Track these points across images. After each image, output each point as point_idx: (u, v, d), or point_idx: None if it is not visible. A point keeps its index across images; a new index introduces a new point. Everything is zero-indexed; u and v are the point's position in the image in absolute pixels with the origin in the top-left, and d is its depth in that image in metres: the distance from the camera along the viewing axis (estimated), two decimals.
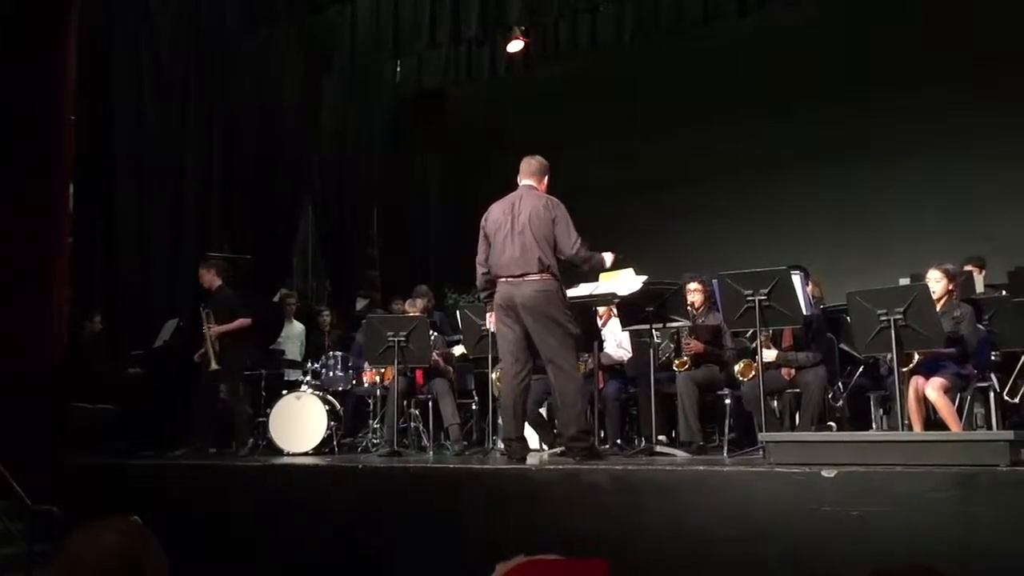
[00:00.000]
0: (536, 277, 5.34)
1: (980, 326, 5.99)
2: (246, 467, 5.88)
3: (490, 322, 5.76)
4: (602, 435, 6.78)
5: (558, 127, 10.57)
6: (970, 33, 9.07)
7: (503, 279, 5.43)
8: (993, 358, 6.15)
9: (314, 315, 9.42)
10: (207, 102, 9.44)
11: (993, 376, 6.03)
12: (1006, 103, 8.84)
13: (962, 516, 3.73)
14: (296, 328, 8.79)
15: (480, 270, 5.60)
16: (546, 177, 5.66)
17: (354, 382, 7.74)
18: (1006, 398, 5.73)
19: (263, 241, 9.48)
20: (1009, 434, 4.28)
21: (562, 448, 5.65)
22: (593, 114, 10.76)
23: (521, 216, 5.41)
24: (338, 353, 7.86)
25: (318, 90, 10.67)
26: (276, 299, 8.94)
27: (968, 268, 7.39)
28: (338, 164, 10.99)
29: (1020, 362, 5.67)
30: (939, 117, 9.12)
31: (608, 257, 5.77)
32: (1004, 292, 6.65)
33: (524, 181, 5.64)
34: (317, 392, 7.22)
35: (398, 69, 10.88)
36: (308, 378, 7.51)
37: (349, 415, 7.67)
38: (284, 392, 7.32)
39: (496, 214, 5.55)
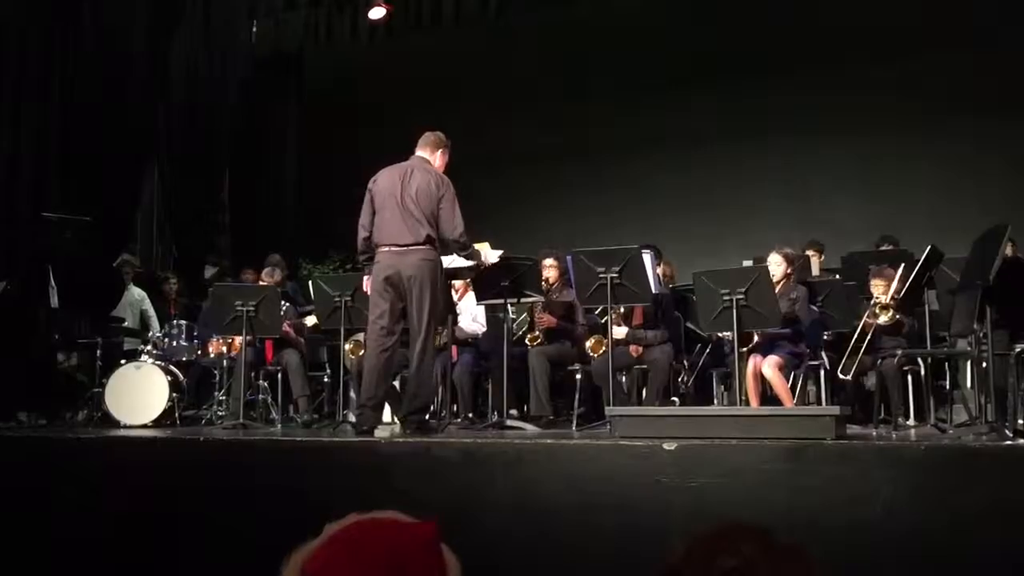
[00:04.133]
0: (423, 248, 5.34)
1: (813, 308, 6.33)
2: (75, 439, 5.57)
3: (366, 285, 5.67)
4: (455, 408, 6.81)
5: (419, 99, 10.44)
6: (816, 24, 9.48)
7: (385, 248, 5.38)
8: (825, 338, 6.51)
9: (159, 282, 9.01)
10: (46, 55, 8.82)
11: (824, 355, 6.40)
12: (848, 93, 9.28)
13: (790, 486, 3.92)
14: (134, 295, 8.38)
15: (363, 233, 5.51)
16: (440, 151, 5.63)
17: (199, 352, 7.46)
18: (839, 375, 6.06)
19: (104, 203, 8.96)
20: (835, 409, 4.54)
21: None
22: (454, 87, 10.68)
23: (411, 188, 5.37)
24: (182, 322, 7.55)
25: (167, 48, 10.15)
26: (116, 264, 8.48)
27: (808, 252, 7.77)
28: (188, 125, 10.51)
29: (852, 341, 6.00)
30: (784, 105, 9.48)
31: (485, 250, 5.82)
32: (837, 276, 7.02)
33: (419, 152, 5.60)
34: (158, 362, 6.92)
35: (254, 29, 10.48)
36: (149, 347, 7.19)
37: (193, 386, 7.39)
38: (123, 362, 6.98)
39: (385, 181, 5.47)
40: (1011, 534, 3.55)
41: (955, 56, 8.86)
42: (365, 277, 5.71)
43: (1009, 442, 4.17)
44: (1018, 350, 4.79)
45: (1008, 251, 5.48)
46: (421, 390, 5.44)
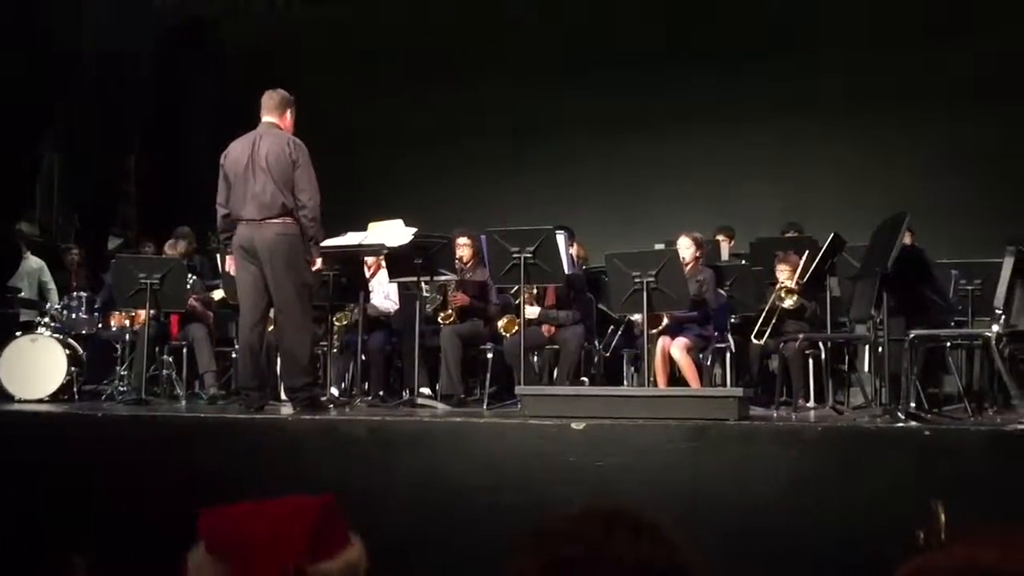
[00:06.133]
0: (278, 220, 5.18)
1: (721, 291, 6.46)
2: None
3: (229, 265, 5.55)
4: (366, 387, 6.76)
5: (340, 71, 10.26)
6: (734, 13, 9.62)
7: (243, 221, 5.22)
8: (732, 321, 6.66)
9: (60, 253, 8.69)
10: None
11: (730, 337, 6.54)
12: (762, 81, 9.44)
13: (693, 466, 4.01)
14: (32, 264, 8.05)
15: (221, 211, 5.36)
16: (289, 112, 5.42)
17: (100, 325, 7.22)
18: (752, 339, 6.20)
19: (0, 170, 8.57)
20: (738, 391, 4.65)
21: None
22: (373, 60, 10.51)
23: (261, 156, 5.18)
24: (82, 294, 7.29)
25: (76, 8, 9.73)
26: (12, 233, 8.14)
27: (719, 237, 7.92)
28: (93, 90, 10.09)
29: (766, 308, 6.14)
30: (699, 92, 9.60)
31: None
32: (744, 261, 7.18)
33: (266, 117, 5.39)
34: (56, 335, 6.68)
35: None
36: (47, 319, 6.94)
37: (93, 361, 7.16)
38: (18, 333, 6.72)
39: (236, 152, 5.29)
40: (902, 512, 3.69)
41: (867, 47, 9.10)
42: (228, 257, 5.58)
43: (901, 424, 4.34)
44: (912, 336, 4.97)
45: (907, 240, 5.69)
46: (293, 366, 5.31)
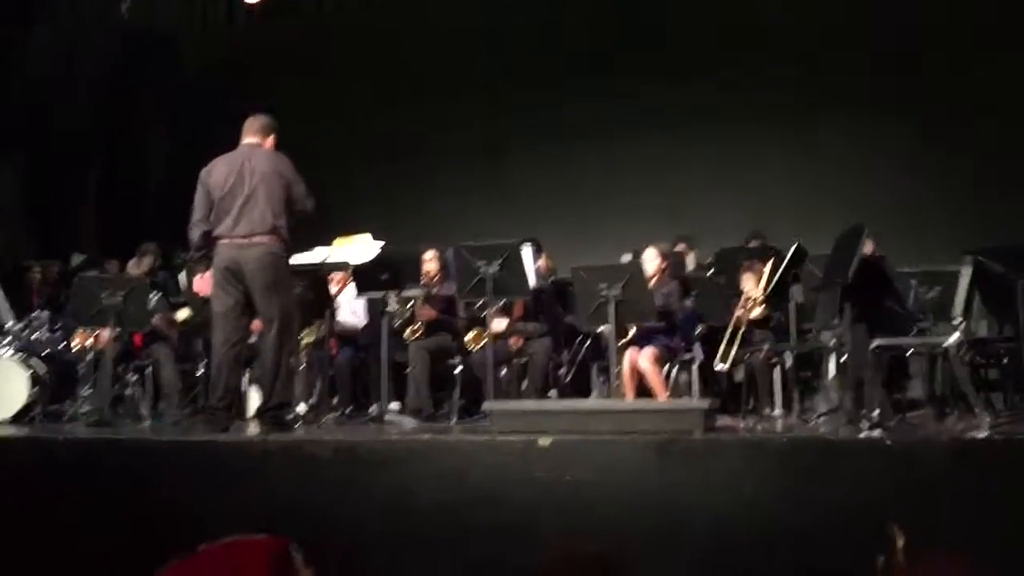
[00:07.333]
0: (266, 239, 5.14)
1: (687, 302, 6.50)
2: None
3: (198, 285, 5.49)
4: (334, 402, 6.71)
5: (299, 89, 10.21)
6: (690, 22, 9.68)
7: (226, 240, 5.17)
8: (698, 331, 6.70)
9: (21, 271, 8.56)
10: None
11: (699, 348, 6.57)
12: (722, 90, 9.48)
13: (660, 480, 4.01)
14: None
15: (202, 227, 5.26)
16: (272, 137, 5.40)
17: (65, 344, 7.12)
18: (719, 363, 6.19)
19: None
20: (705, 403, 4.67)
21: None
22: (335, 78, 10.48)
23: (255, 175, 5.15)
24: (44, 313, 7.20)
25: (29, 23, 9.62)
26: None
27: (679, 248, 7.96)
28: (52, 108, 9.98)
29: (728, 333, 6.16)
30: (664, 101, 9.63)
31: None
32: (712, 271, 7.22)
33: (248, 139, 5.35)
34: (17, 355, 6.58)
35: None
36: (9, 339, 6.84)
37: (56, 381, 7.06)
38: None
39: (222, 169, 5.23)
40: (865, 523, 3.72)
41: (818, 53, 9.18)
42: (198, 276, 5.53)
43: (865, 434, 4.38)
44: (874, 345, 5.01)
45: (868, 248, 5.74)
46: (278, 386, 5.27)
